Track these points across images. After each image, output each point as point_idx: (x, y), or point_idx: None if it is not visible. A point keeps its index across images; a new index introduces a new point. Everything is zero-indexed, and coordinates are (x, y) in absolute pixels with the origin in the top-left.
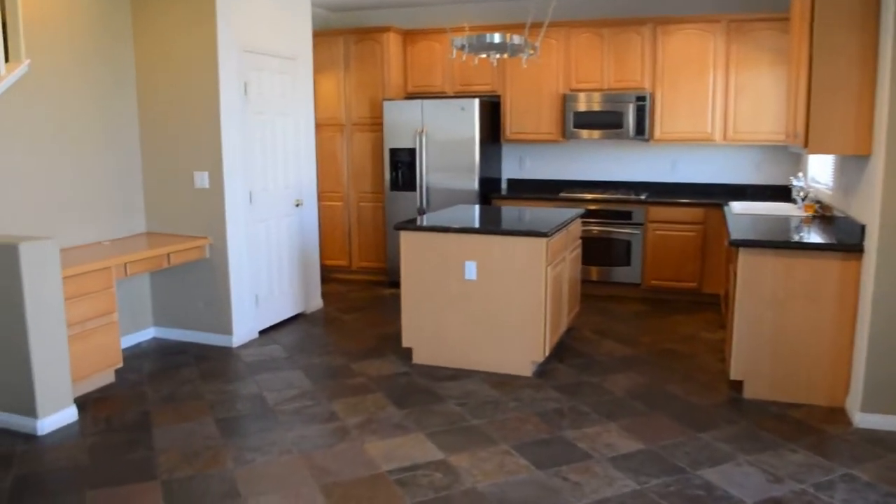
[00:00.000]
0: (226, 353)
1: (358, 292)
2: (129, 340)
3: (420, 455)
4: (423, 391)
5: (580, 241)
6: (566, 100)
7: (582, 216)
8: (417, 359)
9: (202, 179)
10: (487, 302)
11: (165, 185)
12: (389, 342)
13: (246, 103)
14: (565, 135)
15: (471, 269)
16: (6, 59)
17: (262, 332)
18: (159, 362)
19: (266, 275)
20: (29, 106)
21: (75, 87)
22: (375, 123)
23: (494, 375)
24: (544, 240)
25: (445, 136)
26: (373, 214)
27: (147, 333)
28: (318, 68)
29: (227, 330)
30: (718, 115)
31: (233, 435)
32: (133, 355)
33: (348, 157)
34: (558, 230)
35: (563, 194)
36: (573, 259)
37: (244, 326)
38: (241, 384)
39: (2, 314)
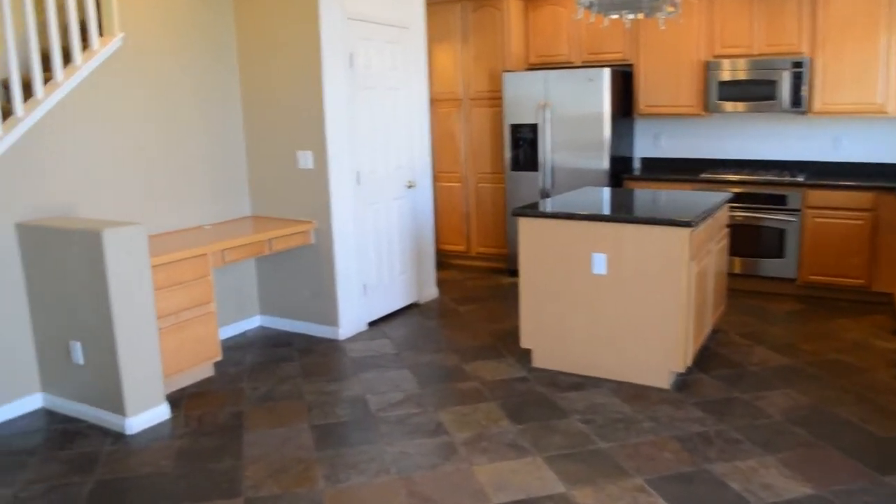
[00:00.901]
0: (331, 346)
1: (476, 280)
2: (234, 329)
3: (537, 486)
4: (542, 402)
5: (727, 229)
6: (709, 68)
7: (727, 201)
8: (538, 362)
9: (306, 159)
10: (619, 300)
11: (269, 165)
12: (507, 340)
13: (352, 76)
14: (707, 108)
15: (600, 263)
16: (100, 34)
17: (371, 324)
18: (262, 354)
19: (375, 262)
20: (123, 83)
21: (173, 63)
22: (494, 98)
23: (626, 386)
24: (687, 230)
25: (571, 110)
26: (492, 196)
27: (253, 322)
28: (434, 39)
29: (333, 321)
30: (893, 82)
31: (328, 446)
32: (236, 345)
33: (466, 135)
34: (704, 218)
35: (704, 175)
36: (719, 251)
37: (351, 318)
38: (343, 384)
39: (88, 306)
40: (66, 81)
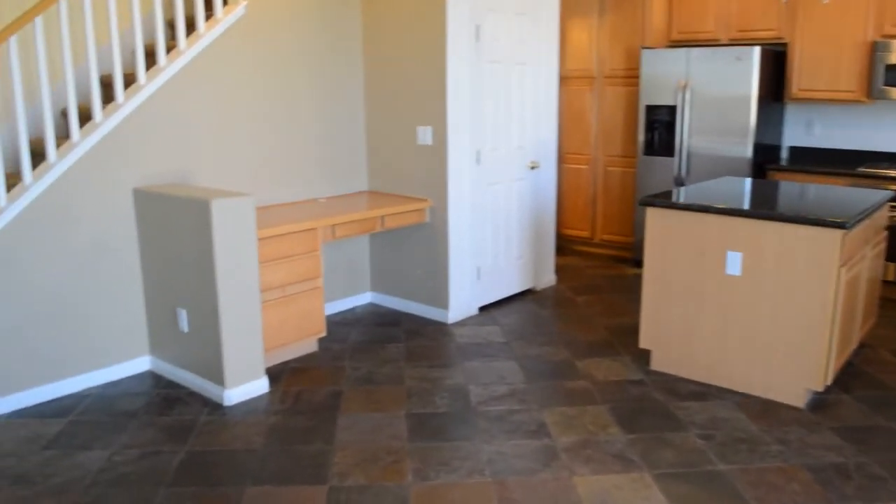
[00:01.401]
0: (439, 329)
1: (598, 269)
2: (344, 304)
3: None
4: (657, 410)
5: (885, 232)
6: (876, 48)
7: (889, 200)
8: (656, 364)
9: (425, 135)
10: (753, 305)
11: (388, 140)
12: (625, 337)
13: (478, 50)
14: (871, 94)
15: (734, 262)
16: (224, 2)
17: (482, 309)
18: (368, 333)
19: (491, 245)
20: (243, 53)
21: (293, 32)
22: (630, 76)
23: (754, 401)
24: (839, 232)
25: (714, 91)
26: (621, 181)
27: (364, 298)
28: (567, 12)
29: (444, 304)
30: None
31: (422, 437)
32: (344, 321)
33: (597, 115)
34: (860, 219)
35: (862, 170)
36: (875, 257)
37: (462, 301)
38: (446, 371)
39: (194, 274)
40: (189, 49)
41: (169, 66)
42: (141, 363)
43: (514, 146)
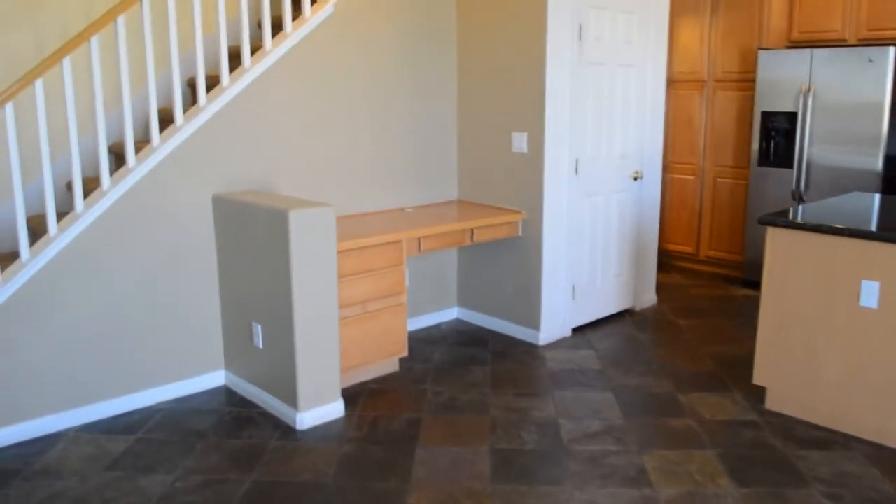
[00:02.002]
0: (529, 351)
1: (702, 288)
2: (429, 320)
3: None
4: (775, 459)
5: None
6: None
7: None
8: (773, 404)
9: (520, 142)
10: (892, 343)
11: (480, 146)
12: (735, 370)
13: (579, 50)
14: None
15: (871, 293)
16: (312, 1)
17: (575, 330)
18: (452, 353)
19: (588, 261)
20: (331, 53)
21: (384, 32)
22: (745, 80)
23: (889, 453)
24: None
25: (841, 96)
26: (731, 194)
27: (449, 314)
28: (677, 11)
29: (535, 324)
30: None
31: (506, 479)
32: (428, 339)
33: (707, 122)
34: None
35: None
36: None
37: (555, 322)
38: (536, 400)
39: (270, 287)
40: (274, 50)
41: (253, 68)
42: (215, 378)
43: (615, 155)
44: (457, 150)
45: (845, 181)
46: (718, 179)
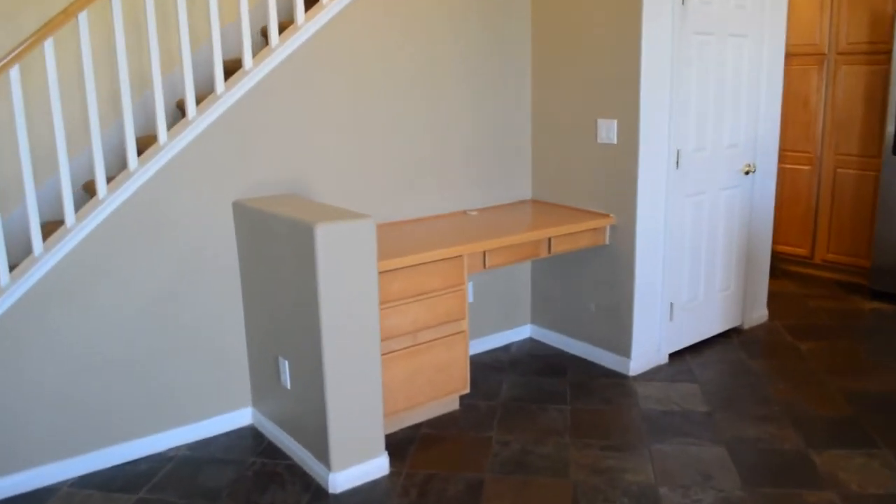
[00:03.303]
0: (618, 384)
1: (820, 300)
2: (497, 340)
3: None
4: None
5: None
6: None
7: None
8: None
9: (608, 131)
10: None
11: (559, 137)
12: (879, 414)
13: (682, 17)
14: None
15: None
16: None
17: (673, 356)
18: (524, 384)
19: (689, 274)
20: (375, 29)
21: (438, 1)
22: (877, 52)
23: None
24: None
25: None
26: (857, 187)
27: (521, 332)
28: None
29: (624, 349)
30: None
31: None
32: (496, 364)
33: (827, 102)
34: None
35: None
36: None
37: (648, 346)
38: (628, 457)
39: (297, 317)
40: (308, 24)
41: (282, 47)
42: (241, 417)
43: (724, 145)
44: (530, 141)
45: None
46: (840, 170)
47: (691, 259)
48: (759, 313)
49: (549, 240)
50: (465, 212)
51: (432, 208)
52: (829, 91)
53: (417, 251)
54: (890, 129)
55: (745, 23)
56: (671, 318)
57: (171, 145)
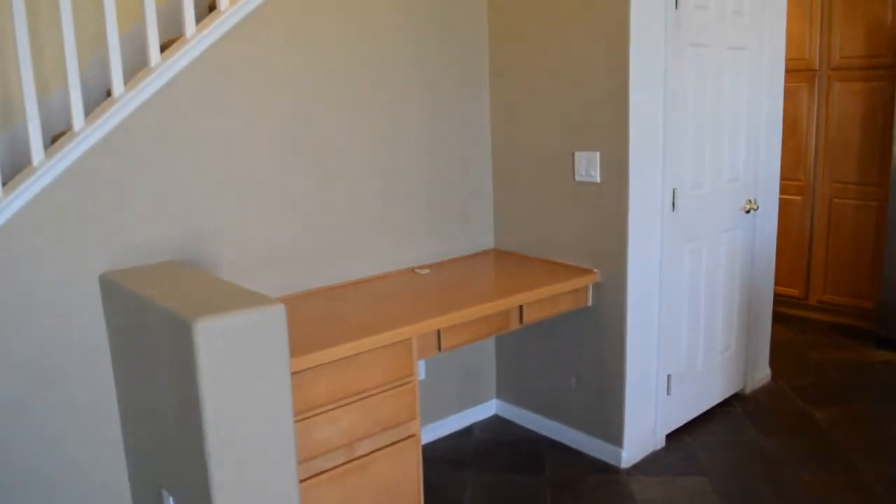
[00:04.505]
0: (609, 481)
1: (822, 350)
2: (456, 422)
3: None
4: None
5: None
6: None
7: None
8: None
9: (589, 166)
10: None
11: (527, 173)
12: None
13: (676, 26)
14: None
15: None
16: None
17: (670, 437)
18: (491, 484)
19: (687, 336)
20: (297, 38)
21: (383, 17)
22: (875, 66)
23: None
24: None
25: None
26: (856, 218)
27: (486, 409)
28: None
29: (614, 435)
30: None
31: None
32: (455, 456)
33: (820, 123)
34: None
35: None
36: None
37: (643, 429)
38: None
39: (179, 438)
40: (199, 37)
41: (167, 65)
42: None
43: (723, 179)
44: (492, 179)
45: None
46: (836, 200)
47: (689, 318)
48: (762, 373)
49: (521, 308)
50: (413, 269)
51: (372, 266)
52: (821, 111)
53: (350, 337)
54: None
55: (743, 33)
56: (669, 393)
57: (13, 197)
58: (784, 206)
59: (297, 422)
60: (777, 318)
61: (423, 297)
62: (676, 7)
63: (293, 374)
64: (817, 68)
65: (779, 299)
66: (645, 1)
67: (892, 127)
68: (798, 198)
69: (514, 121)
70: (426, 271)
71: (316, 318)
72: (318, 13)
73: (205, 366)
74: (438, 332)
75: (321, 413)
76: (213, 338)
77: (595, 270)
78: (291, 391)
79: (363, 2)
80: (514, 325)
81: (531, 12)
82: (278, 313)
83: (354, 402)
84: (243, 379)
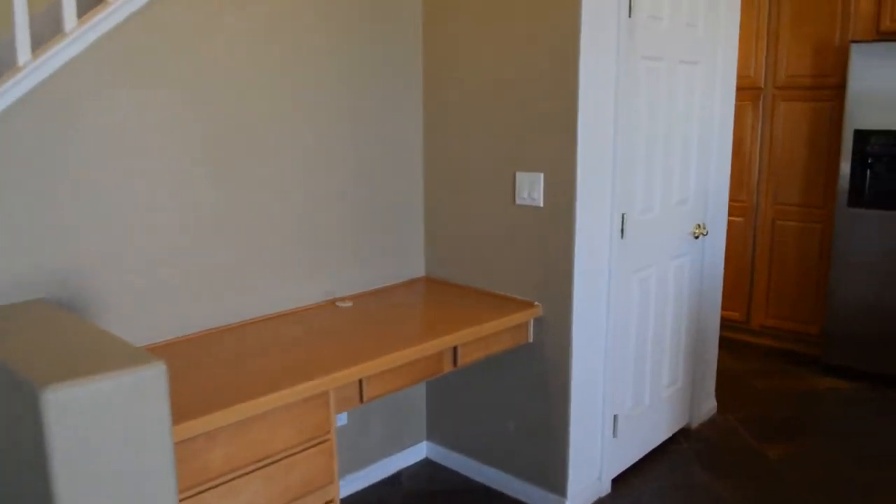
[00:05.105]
0: None
1: (767, 378)
2: (383, 469)
3: None
4: None
5: None
6: None
7: None
8: None
9: (532, 188)
10: None
11: (462, 194)
12: None
13: (630, 35)
14: None
15: None
16: None
17: (616, 481)
18: None
19: (634, 373)
20: (200, 34)
21: (299, 21)
22: (822, 87)
23: None
24: None
25: None
26: (800, 241)
27: (416, 453)
28: None
29: (557, 483)
30: None
31: None
32: None
33: (765, 143)
34: None
35: None
36: None
37: (588, 476)
38: None
39: None
40: (84, 29)
41: (37, 64)
42: None
43: (673, 202)
44: (423, 200)
45: None
46: (779, 222)
47: (637, 352)
48: (708, 405)
49: (455, 349)
50: (334, 302)
51: (285, 300)
52: (765, 131)
53: (254, 392)
54: (844, 175)
55: (697, 46)
56: (615, 435)
57: None
58: (727, 228)
59: (184, 500)
60: (719, 343)
61: (344, 337)
62: (630, 15)
63: (180, 442)
64: (762, 87)
65: (720, 323)
66: (597, 7)
67: (839, 148)
68: (740, 219)
69: (449, 136)
70: (348, 304)
71: (213, 368)
72: (229, 5)
73: (58, 446)
74: (360, 381)
75: (217, 486)
76: (68, 410)
77: (537, 304)
78: (176, 465)
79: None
80: (448, 368)
81: (470, 18)
82: (157, 375)
83: (259, 468)
84: (111, 460)
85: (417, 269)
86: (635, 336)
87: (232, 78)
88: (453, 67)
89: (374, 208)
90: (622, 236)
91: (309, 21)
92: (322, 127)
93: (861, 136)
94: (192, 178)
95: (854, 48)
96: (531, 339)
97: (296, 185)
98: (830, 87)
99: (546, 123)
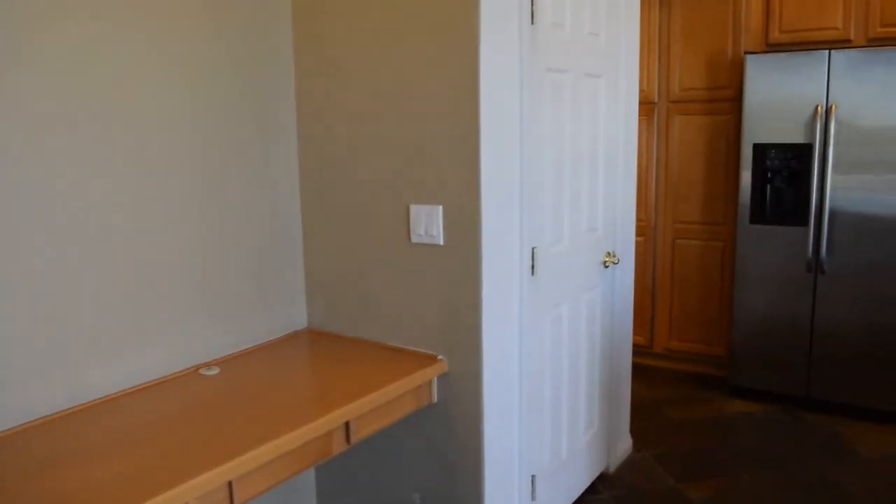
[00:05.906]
0: None
1: (678, 407)
2: None
3: None
4: None
5: None
6: None
7: None
8: None
9: (429, 223)
10: None
11: (348, 231)
12: None
13: (532, 45)
14: None
15: None
16: None
17: None
18: None
19: (551, 426)
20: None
21: (155, 14)
22: (718, 99)
23: None
24: None
25: (881, 121)
26: (702, 260)
27: None
28: None
29: None
30: None
31: None
32: None
33: (660, 159)
34: None
35: None
36: None
37: None
38: None
39: None
40: None
41: None
42: None
43: (582, 230)
44: (301, 241)
45: (890, 241)
46: (679, 241)
47: (552, 400)
48: (625, 445)
49: (348, 424)
50: (198, 370)
51: (135, 372)
52: (661, 146)
53: None
54: (744, 190)
55: (600, 57)
56: (534, 498)
57: None
58: None
59: None
60: None
61: (209, 421)
62: (533, 22)
63: None
64: (656, 101)
65: None
66: (498, 11)
67: (738, 163)
68: (640, 238)
69: (330, 166)
70: (214, 371)
71: (26, 482)
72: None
73: None
74: (230, 483)
75: None
76: None
77: (441, 357)
78: None
79: (126, 2)
80: (339, 448)
81: (349, 23)
82: None
83: None
84: None
85: (298, 320)
86: (550, 383)
87: (44, 99)
88: (332, 86)
89: (241, 254)
90: (532, 273)
91: (157, 24)
92: (174, 158)
93: (760, 149)
94: (6, 227)
95: (749, 59)
96: (435, 400)
97: (145, 226)
98: (726, 99)
99: (443, 146)
